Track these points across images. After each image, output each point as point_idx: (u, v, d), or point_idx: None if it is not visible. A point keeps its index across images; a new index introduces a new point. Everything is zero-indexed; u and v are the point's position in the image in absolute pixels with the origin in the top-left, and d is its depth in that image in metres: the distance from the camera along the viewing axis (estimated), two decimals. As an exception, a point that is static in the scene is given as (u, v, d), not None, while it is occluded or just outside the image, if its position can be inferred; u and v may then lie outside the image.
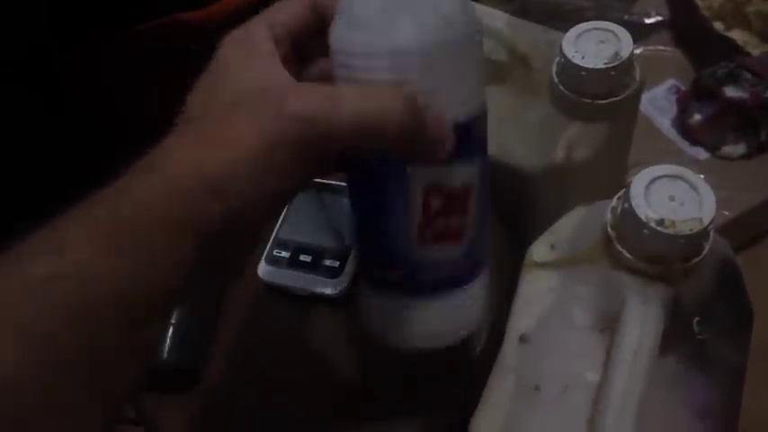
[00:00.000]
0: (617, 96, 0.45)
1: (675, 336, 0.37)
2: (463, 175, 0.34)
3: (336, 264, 0.44)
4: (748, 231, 0.64)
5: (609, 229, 0.38)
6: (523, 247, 0.45)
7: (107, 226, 0.27)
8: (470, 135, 0.34)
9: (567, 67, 0.44)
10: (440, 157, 0.32)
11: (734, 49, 0.66)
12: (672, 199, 0.36)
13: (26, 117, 0.59)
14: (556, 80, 0.46)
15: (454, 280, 0.37)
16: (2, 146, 0.53)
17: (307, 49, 0.36)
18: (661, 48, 0.74)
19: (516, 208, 0.49)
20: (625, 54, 0.44)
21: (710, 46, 0.69)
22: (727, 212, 0.62)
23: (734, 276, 0.41)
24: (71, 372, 0.26)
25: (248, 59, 0.33)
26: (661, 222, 0.35)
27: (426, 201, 0.33)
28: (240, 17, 0.57)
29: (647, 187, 0.36)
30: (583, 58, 0.44)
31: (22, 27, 0.63)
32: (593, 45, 0.45)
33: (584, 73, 0.44)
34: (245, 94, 0.31)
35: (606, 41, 0.45)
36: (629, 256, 0.37)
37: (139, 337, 0.29)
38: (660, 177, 0.37)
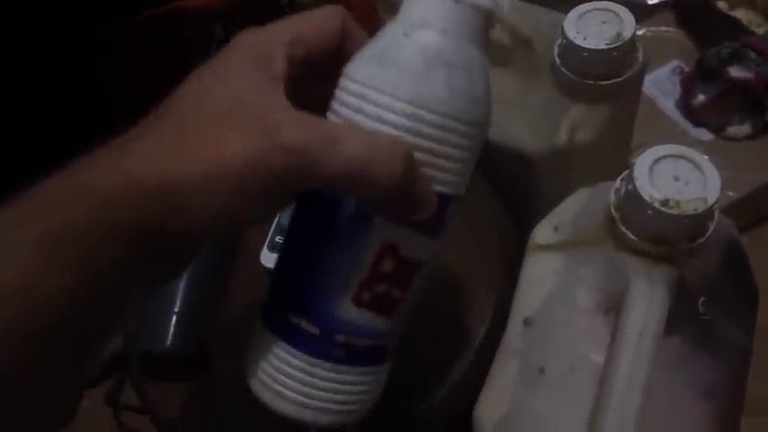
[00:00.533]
0: (619, 77, 0.44)
1: (680, 316, 0.37)
2: (422, 247, 0.32)
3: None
4: (753, 212, 0.64)
5: (612, 210, 0.38)
6: (527, 230, 0.44)
7: (54, 234, 0.26)
8: (446, 211, 0.32)
9: (569, 49, 0.44)
10: (417, 218, 0.30)
11: (738, 28, 0.66)
12: (676, 179, 0.36)
13: (26, 105, 0.59)
14: (558, 62, 0.45)
15: (363, 356, 0.33)
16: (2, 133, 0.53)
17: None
18: (664, 28, 0.73)
19: (519, 191, 0.49)
20: (627, 34, 0.43)
21: (714, 26, 0.68)
22: (731, 193, 0.62)
23: (739, 256, 0.40)
24: (14, 386, 0.25)
25: (254, 74, 0.30)
26: (665, 203, 0.35)
27: (378, 259, 0.31)
28: (238, 5, 0.58)
29: (650, 168, 0.36)
30: (585, 39, 0.44)
31: (25, 16, 0.63)
32: (595, 26, 0.44)
33: (586, 54, 0.43)
34: (239, 110, 0.29)
35: (608, 22, 0.44)
36: (633, 237, 0.36)
37: (84, 349, 0.28)
38: (664, 157, 0.36)
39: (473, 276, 0.44)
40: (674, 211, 0.34)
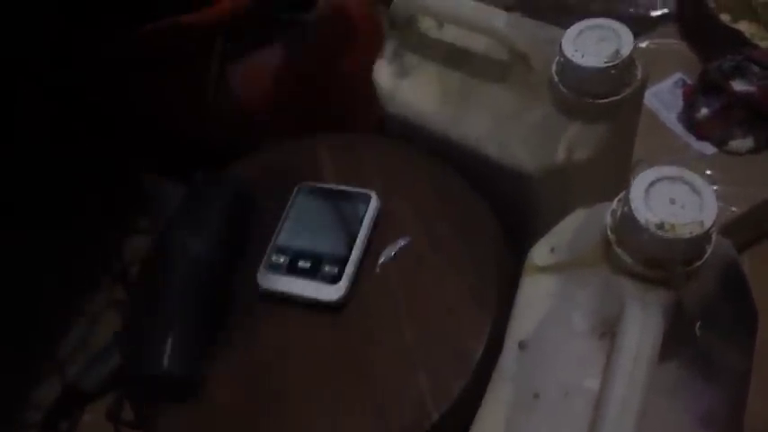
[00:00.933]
0: (618, 95, 0.44)
1: (677, 341, 0.36)
2: None
3: (336, 269, 0.44)
4: (755, 228, 0.63)
5: (609, 232, 0.37)
6: (525, 248, 0.44)
7: None
8: None
9: (567, 67, 0.44)
10: None
11: (741, 41, 0.65)
12: (672, 202, 0.35)
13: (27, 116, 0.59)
14: (556, 79, 0.45)
15: None
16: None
17: None
18: (667, 41, 0.73)
19: (517, 209, 0.49)
20: (625, 52, 0.43)
21: (717, 38, 0.68)
22: (734, 208, 0.61)
23: (738, 278, 0.40)
24: None
25: None
26: (661, 226, 0.34)
27: None
28: (237, 19, 0.58)
29: (647, 190, 0.36)
30: (583, 56, 0.43)
31: (29, 30, 0.63)
32: (593, 43, 0.44)
33: (583, 72, 0.43)
34: None
35: (606, 39, 0.44)
36: (628, 260, 0.36)
37: None
38: (661, 180, 0.36)
39: (470, 296, 0.43)
40: (670, 235, 0.34)
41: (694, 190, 0.36)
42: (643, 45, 0.73)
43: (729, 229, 0.60)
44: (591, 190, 0.49)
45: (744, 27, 0.65)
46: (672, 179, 0.36)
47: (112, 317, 0.66)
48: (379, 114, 0.54)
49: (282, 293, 0.45)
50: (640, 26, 0.74)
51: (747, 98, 0.62)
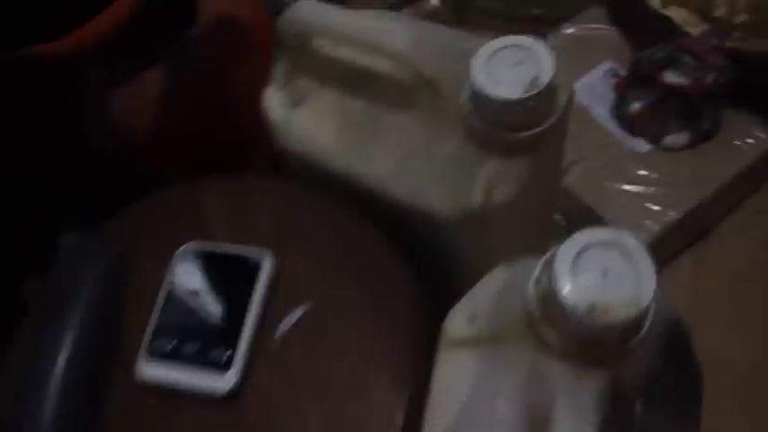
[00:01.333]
0: (540, 127, 0.38)
1: (617, 424, 0.32)
2: None
3: (226, 354, 0.38)
4: (695, 230, 0.59)
5: (533, 306, 0.32)
6: (445, 301, 0.39)
7: None
8: None
9: (479, 97, 0.38)
10: None
11: (671, 28, 0.60)
12: (604, 274, 0.30)
13: None
14: (467, 110, 0.39)
15: None
16: None
17: None
18: (594, 26, 0.67)
19: (434, 256, 0.43)
20: (545, 79, 0.37)
21: (647, 25, 0.62)
22: (672, 213, 0.57)
23: (680, 340, 0.35)
24: None
25: None
26: (592, 309, 0.29)
27: None
28: (109, 48, 0.49)
29: (574, 261, 0.30)
30: (496, 86, 0.37)
31: None
32: (507, 68, 0.38)
33: (498, 104, 0.37)
34: None
35: (524, 62, 0.38)
36: (556, 339, 0.31)
37: None
38: (590, 247, 0.31)
39: (382, 373, 0.38)
40: (603, 319, 0.29)
41: (627, 256, 0.30)
42: (569, 31, 0.67)
43: (668, 235, 0.56)
44: (515, 229, 0.43)
45: (674, 13, 0.60)
46: (603, 245, 0.31)
47: None
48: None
49: (166, 385, 0.38)
50: (566, 9, 0.69)
51: (680, 92, 0.58)
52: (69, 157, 0.56)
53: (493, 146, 0.39)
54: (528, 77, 0.37)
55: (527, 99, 0.37)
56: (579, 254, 0.30)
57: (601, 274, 0.30)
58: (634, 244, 0.31)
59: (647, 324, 0.31)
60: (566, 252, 0.30)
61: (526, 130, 0.38)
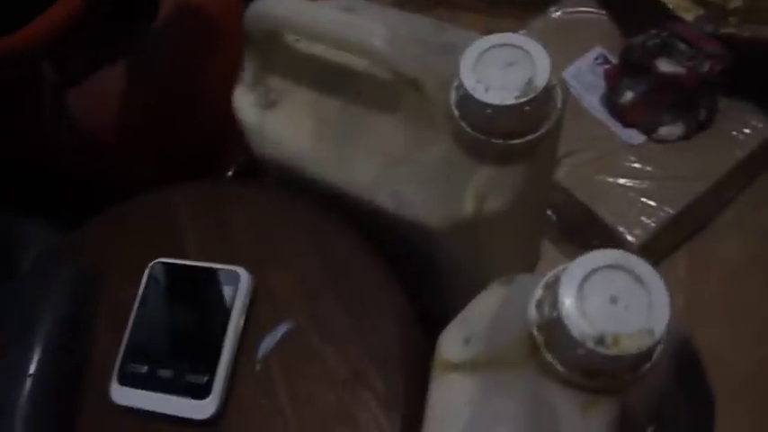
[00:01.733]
0: (535, 133, 0.35)
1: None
2: None
3: (204, 378, 0.35)
4: (692, 222, 0.57)
5: (534, 331, 0.29)
6: (434, 315, 0.36)
7: None
8: None
9: (469, 102, 0.35)
10: None
11: (664, 12, 0.57)
12: (613, 301, 0.28)
13: None
14: (456, 114, 0.36)
15: None
16: None
17: None
18: (583, 9, 0.64)
19: (422, 268, 0.40)
20: (541, 82, 0.34)
21: (638, 8, 0.60)
22: (668, 209, 0.54)
23: (692, 362, 0.33)
24: None
25: None
26: (601, 339, 0.27)
27: None
28: (63, 42, 0.46)
29: (580, 286, 0.28)
30: (487, 91, 0.34)
31: None
32: (499, 70, 0.35)
33: (490, 110, 0.34)
34: None
35: (516, 63, 0.35)
36: (561, 369, 0.29)
37: None
38: (597, 270, 0.28)
39: (371, 395, 0.35)
40: (613, 351, 0.27)
41: (638, 280, 0.28)
42: (556, 15, 0.64)
43: (663, 231, 0.54)
44: (508, 238, 0.41)
45: (667, -4, 0.57)
46: (610, 268, 0.28)
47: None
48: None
49: (141, 410, 0.35)
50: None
51: (675, 81, 0.55)
52: (29, 156, 0.53)
53: (485, 153, 0.36)
54: (522, 80, 0.34)
55: (522, 104, 0.34)
56: (586, 278, 0.28)
57: (610, 300, 0.28)
58: (646, 268, 0.28)
59: (659, 350, 0.29)
60: (572, 276, 0.28)
61: (521, 136, 0.35)
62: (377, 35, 0.37)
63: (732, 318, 0.55)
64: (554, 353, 0.29)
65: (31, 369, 0.36)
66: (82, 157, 0.52)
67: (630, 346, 0.27)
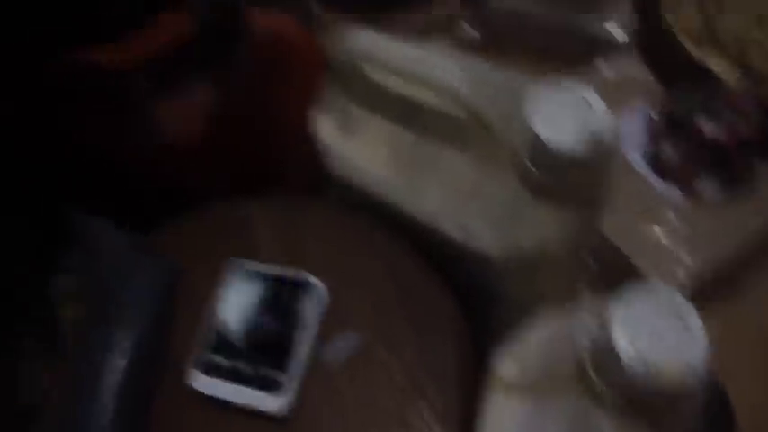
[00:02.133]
0: (600, 185, 0.39)
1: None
2: None
3: (278, 375, 0.38)
4: (726, 283, 0.59)
5: (586, 358, 0.33)
6: (487, 336, 0.39)
7: None
8: None
9: (537, 146, 0.38)
10: None
11: (706, 72, 0.60)
12: (661, 337, 0.31)
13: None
14: (524, 157, 0.39)
15: None
16: None
17: None
18: (626, 65, 0.67)
19: (480, 292, 0.44)
20: (607, 134, 0.37)
21: (680, 68, 0.63)
22: (704, 266, 0.57)
23: (726, 416, 0.36)
24: None
25: None
26: (648, 371, 0.30)
27: None
28: (157, 58, 0.50)
29: (631, 320, 0.31)
30: (558, 138, 0.37)
31: None
32: (563, 117, 0.38)
33: (558, 156, 0.37)
34: None
35: (579, 112, 0.38)
36: (608, 393, 0.32)
37: None
38: (645, 307, 0.31)
39: (429, 408, 0.38)
40: (658, 382, 0.30)
41: (681, 319, 0.31)
42: (602, 69, 0.68)
43: (698, 289, 0.56)
44: (560, 275, 0.44)
45: (706, 54, 0.60)
46: (658, 305, 0.32)
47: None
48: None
49: (218, 399, 0.39)
50: (599, 49, 0.69)
51: (716, 142, 0.58)
52: (110, 163, 0.57)
53: (548, 194, 0.40)
54: (587, 129, 0.38)
55: (591, 155, 0.37)
56: (636, 313, 0.31)
57: (658, 336, 0.31)
58: (687, 308, 0.31)
59: (697, 387, 0.32)
60: (623, 310, 0.31)
61: (587, 187, 0.39)
62: (454, 75, 0.41)
63: (765, 380, 0.55)
64: (602, 380, 0.32)
65: (128, 349, 0.39)
66: (162, 166, 0.55)
67: (674, 379, 0.30)
